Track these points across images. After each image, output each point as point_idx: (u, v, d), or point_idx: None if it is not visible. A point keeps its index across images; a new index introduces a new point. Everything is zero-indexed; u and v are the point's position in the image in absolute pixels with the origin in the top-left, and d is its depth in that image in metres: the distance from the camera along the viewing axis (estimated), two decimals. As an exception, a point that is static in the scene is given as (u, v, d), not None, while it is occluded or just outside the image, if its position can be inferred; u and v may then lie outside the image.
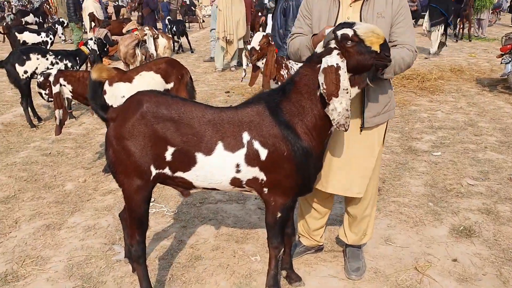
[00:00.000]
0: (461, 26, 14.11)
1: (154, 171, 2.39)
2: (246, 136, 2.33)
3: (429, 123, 6.14)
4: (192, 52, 13.45)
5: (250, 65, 5.18)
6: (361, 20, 2.51)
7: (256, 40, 4.75)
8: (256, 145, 2.32)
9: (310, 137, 2.35)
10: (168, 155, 2.35)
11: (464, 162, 4.75)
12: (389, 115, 2.73)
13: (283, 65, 4.98)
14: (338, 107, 2.19)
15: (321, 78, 2.21)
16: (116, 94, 4.25)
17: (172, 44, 13.17)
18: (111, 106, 2.90)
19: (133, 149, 2.34)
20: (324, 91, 2.19)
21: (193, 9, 22.55)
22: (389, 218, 3.65)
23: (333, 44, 2.24)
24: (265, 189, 2.42)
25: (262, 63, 4.87)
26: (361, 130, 2.66)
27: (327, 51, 2.24)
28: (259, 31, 12.86)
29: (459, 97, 7.44)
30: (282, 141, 2.31)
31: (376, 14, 2.51)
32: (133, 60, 6.81)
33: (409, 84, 8.25)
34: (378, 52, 2.17)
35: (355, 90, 2.29)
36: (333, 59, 2.19)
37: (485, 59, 10.83)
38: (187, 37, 13.61)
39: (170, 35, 12.73)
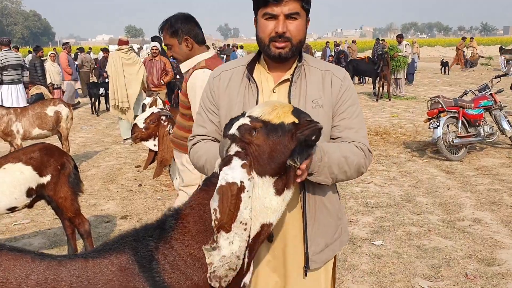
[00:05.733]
0: (380, 85, 14.26)
1: None
2: None
3: (363, 199, 5.49)
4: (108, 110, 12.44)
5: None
6: None
7: (143, 116, 3.87)
8: None
9: None
10: None
11: (411, 254, 4.05)
12: (341, 242, 1.90)
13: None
14: (225, 248, 1.36)
15: (214, 202, 1.38)
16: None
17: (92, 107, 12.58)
18: None
19: None
20: (216, 222, 1.36)
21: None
22: None
23: (234, 148, 1.44)
24: None
25: (155, 145, 3.94)
26: (305, 273, 1.79)
27: (225, 161, 1.43)
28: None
29: (390, 165, 6.95)
30: None
31: (311, 102, 1.73)
32: (10, 139, 5.59)
33: (336, 150, 7.70)
34: (297, 122, 1.46)
35: (281, 200, 1.48)
36: (235, 173, 1.38)
37: (408, 119, 10.71)
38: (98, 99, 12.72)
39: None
